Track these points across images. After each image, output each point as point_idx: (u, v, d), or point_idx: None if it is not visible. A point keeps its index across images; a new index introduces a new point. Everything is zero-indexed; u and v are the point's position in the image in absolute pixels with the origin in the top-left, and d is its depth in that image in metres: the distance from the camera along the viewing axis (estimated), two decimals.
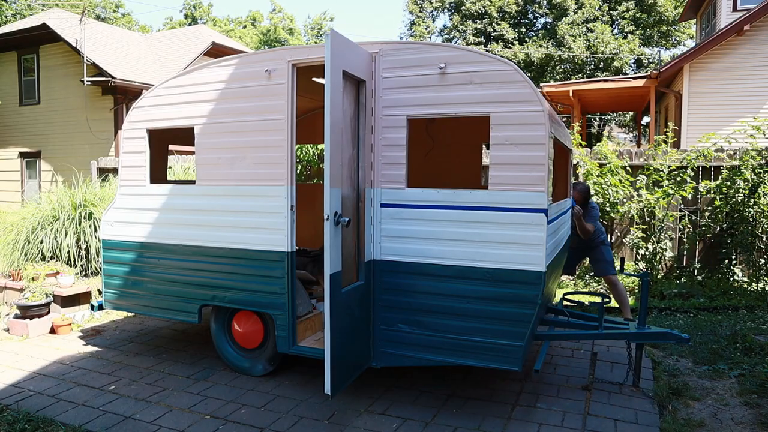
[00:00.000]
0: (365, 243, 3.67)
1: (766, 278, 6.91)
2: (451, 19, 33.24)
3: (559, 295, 6.19)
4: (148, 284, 4.61)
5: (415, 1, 35.10)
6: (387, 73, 3.65)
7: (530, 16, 32.13)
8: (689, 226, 7.27)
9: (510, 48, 28.95)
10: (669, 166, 7.26)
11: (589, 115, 26.33)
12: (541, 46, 28.39)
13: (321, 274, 4.00)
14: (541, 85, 16.82)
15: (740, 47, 11.99)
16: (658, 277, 7.25)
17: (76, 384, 4.15)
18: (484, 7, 30.52)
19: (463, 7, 31.21)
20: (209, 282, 4.28)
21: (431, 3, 34.22)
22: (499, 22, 30.29)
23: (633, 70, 28.73)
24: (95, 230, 6.69)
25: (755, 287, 6.82)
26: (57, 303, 5.78)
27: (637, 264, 7.38)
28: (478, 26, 30.88)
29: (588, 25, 27.74)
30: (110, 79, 13.42)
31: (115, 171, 8.97)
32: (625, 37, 28.02)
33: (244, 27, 41.97)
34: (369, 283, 3.71)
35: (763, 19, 11.74)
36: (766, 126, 7.12)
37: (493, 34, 30.46)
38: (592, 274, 7.42)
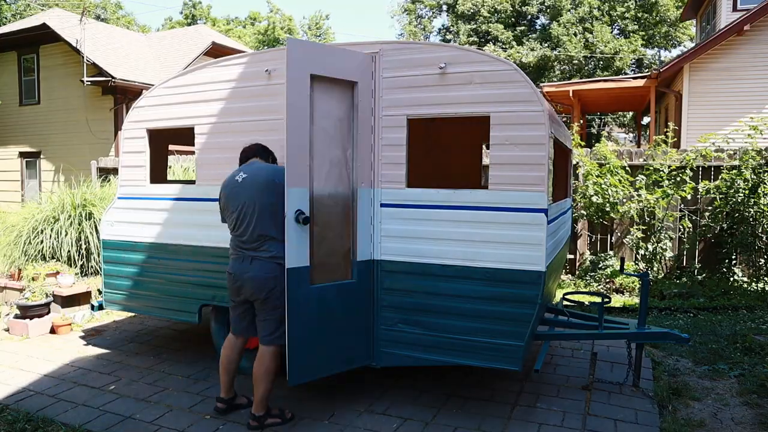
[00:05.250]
0: (362, 242, 3.67)
1: (766, 278, 6.91)
2: (448, 20, 33.26)
3: (559, 295, 6.19)
4: (148, 284, 4.61)
5: (412, 1, 35.12)
6: (387, 73, 3.65)
7: (527, 16, 32.08)
8: (689, 226, 7.27)
9: (505, 50, 28.90)
10: (669, 166, 7.26)
11: (589, 115, 26.33)
12: (532, 50, 28.30)
13: None
14: (541, 85, 16.82)
15: (740, 47, 11.99)
16: (659, 277, 7.25)
17: (76, 384, 4.16)
18: (475, 5, 30.41)
19: (456, 8, 31.18)
20: (209, 282, 4.27)
21: (424, 2, 34.22)
22: (492, 22, 30.22)
23: (633, 70, 28.73)
24: (95, 230, 6.69)
25: (755, 287, 6.82)
26: (57, 303, 5.78)
27: (637, 264, 7.38)
28: (472, 27, 30.82)
29: (585, 25, 27.71)
30: (110, 79, 13.42)
31: (115, 171, 8.96)
32: (626, 37, 28.01)
33: (244, 27, 41.97)
34: (367, 282, 3.70)
35: (763, 19, 11.74)
36: (764, 126, 7.13)
37: (487, 36, 30.40)
38: (592, 274, 7.43)
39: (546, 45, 28.35)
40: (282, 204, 3.32)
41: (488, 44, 29.80)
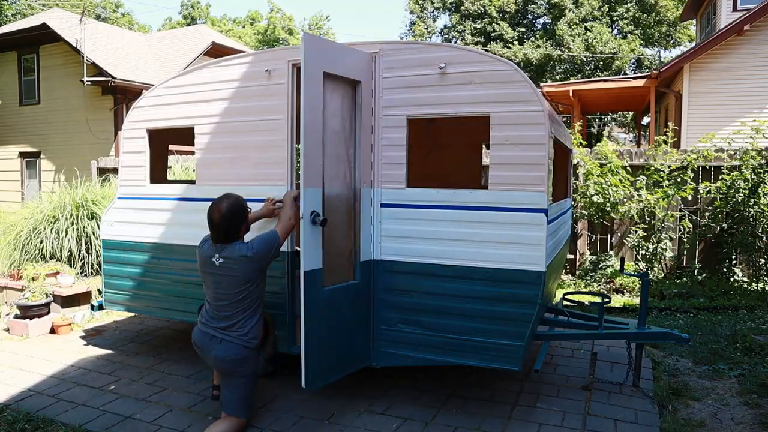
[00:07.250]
0: (365, 242, 3.67)
1: (766, 278, 6.91)
2: (450, 20, 33.28)
3: (559, 295, 6.19)
4: (149, 284, 4.61)
5: (416, 0, 35.12)
6: (387, 73, 3.65)
7: (529, 16, 32.16)
8: (689, 226, 7.27)
9: (510, 48, 28.97)
10: (669, 167, 7.27)
11: (589, 115, 26.33)
12: (539, 46, 28.39)
13: None
14: (541, 85, 16.82)
15: (740, 47, 11.99)
16: (659, 277, 7.26)
17: (76, 384, 4.15)
18: (483, 6, 30.54)
19: (463, 7, 31.22)
20: None
21: (432, 3, 34.22)
22: (499, 22, 30.31)
23: (633, 70, 28.75)
24: (95, 230, 6.69)
25: (755, 287, 6.82)
26: (57, 303, 5.78)
27: (637, 264, 7.38)
28: (478, 26, 30.90)
29: (586, 25, 27.78)
30: (110, 79, 13.43)
31: (115, 171, 8.96)
32: (624, 37, 28.04)
33: (243, 27, 41.95)
34: (368, 283, 3.70)
35: (763, 19, 11.75)
36: (766, 128, 7.13)
37: (492, 34, 30.47)
38: (592, 274, 7.42)
39: (549, 43, 28.40)
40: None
41: (492, 42, 29.85)
